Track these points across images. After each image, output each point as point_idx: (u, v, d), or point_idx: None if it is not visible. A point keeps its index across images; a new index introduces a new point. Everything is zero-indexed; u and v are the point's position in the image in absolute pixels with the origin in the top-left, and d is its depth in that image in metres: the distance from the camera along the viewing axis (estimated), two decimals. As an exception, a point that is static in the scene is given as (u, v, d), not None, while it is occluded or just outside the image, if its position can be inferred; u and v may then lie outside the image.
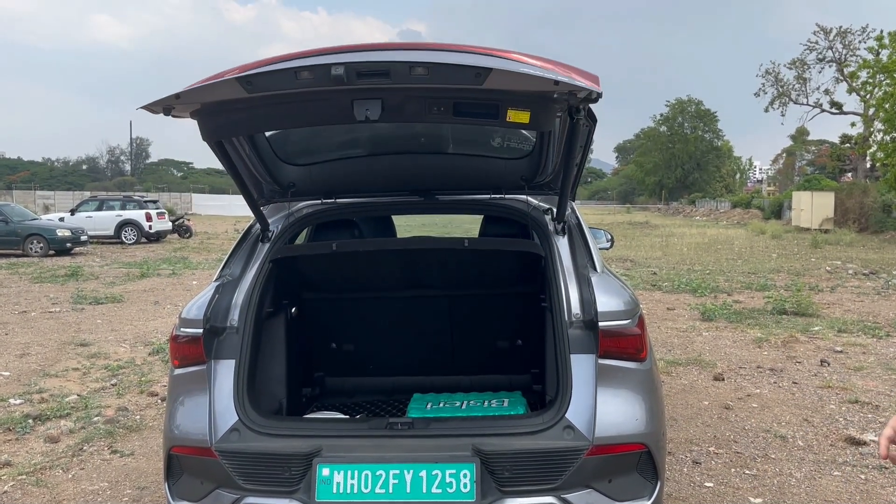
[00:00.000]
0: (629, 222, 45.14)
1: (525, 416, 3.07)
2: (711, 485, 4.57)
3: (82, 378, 7.58)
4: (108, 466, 5.16)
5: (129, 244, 27.46)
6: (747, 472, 4.78)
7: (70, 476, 4.99)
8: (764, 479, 4.67)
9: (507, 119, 2.42)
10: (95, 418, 6.16)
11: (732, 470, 4.81)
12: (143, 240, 27.85)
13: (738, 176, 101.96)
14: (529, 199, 3.70)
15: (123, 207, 28.44)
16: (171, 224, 29.68)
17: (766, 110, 56.10)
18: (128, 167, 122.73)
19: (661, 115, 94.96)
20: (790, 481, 4.62)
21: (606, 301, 2.99)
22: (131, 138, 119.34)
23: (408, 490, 2.79)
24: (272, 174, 3.59)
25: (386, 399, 4.35)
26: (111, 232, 27.64)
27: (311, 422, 3.11)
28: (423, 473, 2.80)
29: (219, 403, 3.04)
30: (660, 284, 14.21)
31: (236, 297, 3.29)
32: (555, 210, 3.55)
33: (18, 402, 6.71)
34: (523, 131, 3.51)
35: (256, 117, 2.64)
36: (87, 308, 12.34)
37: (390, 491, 2.80)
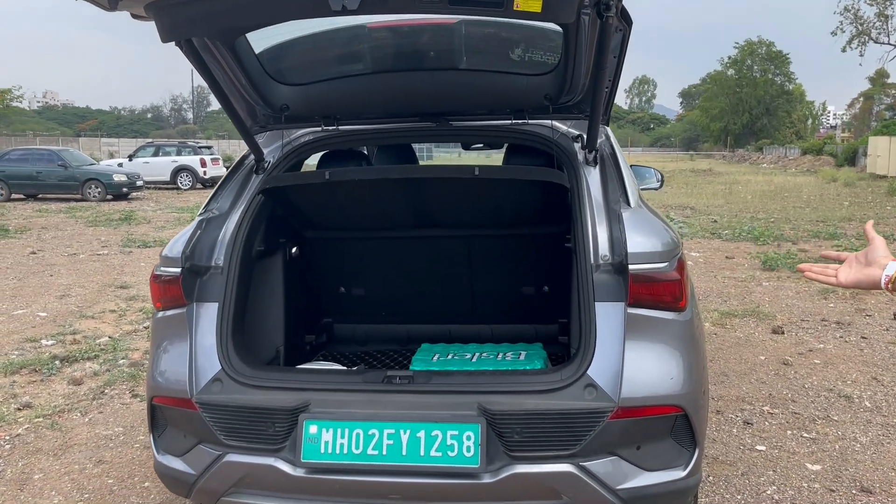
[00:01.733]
0: (692, 170, 43.61)
1: (541, 371, 2.67)
2: (763, 448, 4.12)
3: (117, 320, 7.50)
4: (126, 411, 5.00)
5: (185, 189, 27.74)
6: (805, 434, 4.31)
7: (87, 420, 4.84)
8: (824, 443, 4.20)
9: (515, 6, 1.96)
10: (121, 361, 6.03)
11: (788, 432, 4.34)
12: (199, 185, 28.06)
13: (809, 122, 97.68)
14: (555, 124, 3.23)
15: (179, 153, 28.69)
16: (225, 170, 29.75)
17: (844, 50, 52.84)
18: (190, 115, 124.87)
19: (730, 57, 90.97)
20: (854, 447, 4.14)
21: (639, 240, 2.55)
22: (193, 87, 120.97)
23: (403, 452, 2.45)
24: (263, 95, 3.20)
25: (399, 349, 4.01)
26: (167, 177, 27.95)
27: (300, 373, 2.78)
28: (422, 434, 2.46)
29: (200, 351, 2.74)
30: (719, 232, 13.51)
31: (222, 233, 2.97)
32: (584, 137, 3.08)
33: (50, 342, 6.65)
34: (548, 41, 3.03)
35: (219, 12, 2.25)
36: (134, 251, 12.38)
37: (384, 452, 2.46)
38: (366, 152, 4.43)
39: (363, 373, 2.68)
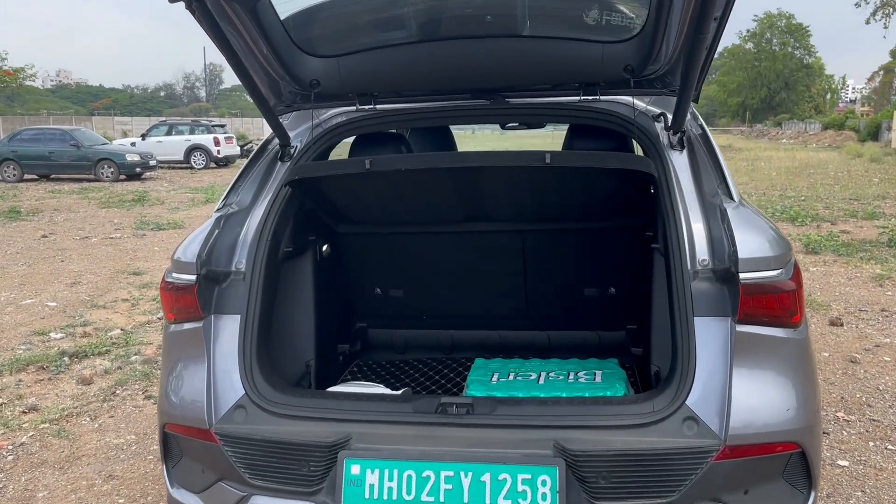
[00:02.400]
0: (711, 145, 42.63)
1: (627, 400, 2.23)
2: (846, 464, 3.69)
3: (130, 310, 7.15)
4: (139, 415, 4.63)
5: (199, 169, 27.41)
6: (890, 447, 3.87)
7: (97, 426, 4.48)
8: (914, 457, 3.75)
9: None
10: (133, 357, 5.67)
11: (871, 444, 3.90)
12: (212, 164, 27.71)
13: (828, 96, 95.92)
14: (635, 100, 2.76)
15: (192, 132, 28.32)
16: (239, 149, 29.42)
17: (868, 22, 51.64)
18: (203, 93, 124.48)
19: (748, 30, 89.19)
20: (949, 462, 3.69)
21: (749, 242, 2.12)
22: (205, 64, 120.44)
23: (465, 499, 2.06)
24: (289, 68, 2.76)
25: (443, 358, 3.58)
26: (181, 157, 27.61)
27: (338, 399, 2.36)
28: (486, 477, 2.05)
29: (220, 372, 2.34)
30: (753, 212, 12.95)
31: (244, 232, 2.56)
32: (669, 115, 2.62)
33: (59, 336, 6.31)
34: (632, 0, 2.56)
35: None
36: (147, 234, 12.06)
37: (441, 499, 2.07)
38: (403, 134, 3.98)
39: (413, 399, 2.25)
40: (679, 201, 2.43)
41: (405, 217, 3.13)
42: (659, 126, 2.75)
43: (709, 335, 2.15)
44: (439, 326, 3.64)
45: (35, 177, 23.85)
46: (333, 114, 3.07)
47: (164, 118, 45.73)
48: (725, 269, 2.15)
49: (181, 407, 2.39)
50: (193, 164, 27.55)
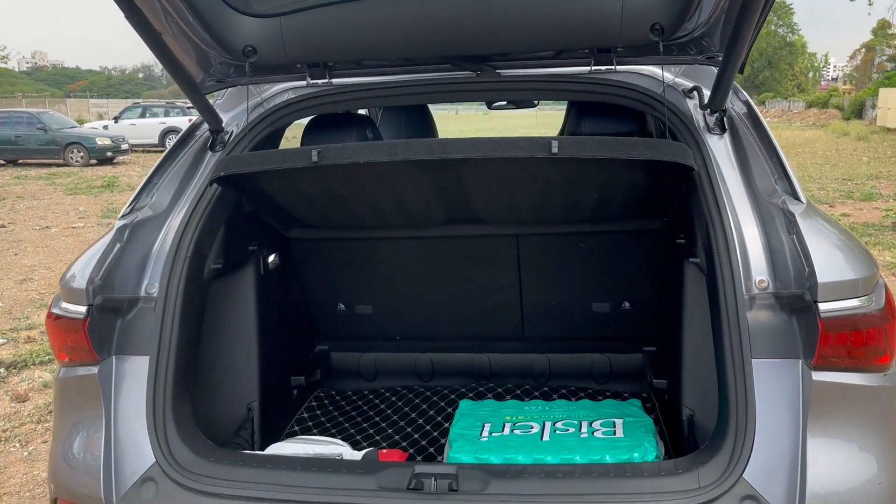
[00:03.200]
0: (697, 124, 42.18)
1: (663, 468, 1.68)
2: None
3: (82, 310, 6.47)
4: (76, 439, 3.99)
5: (173, 153, 26.56)
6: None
7: (26, 453, 3.90)
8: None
9: None
10: (78, 368, 5.01)
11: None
12: (188, 148, 26.87)
13: (811, 74, 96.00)
14: (660, 70, 2.21)
15: (167, 114, 27.44)
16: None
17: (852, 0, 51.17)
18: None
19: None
20: None
21: (830, 261, 1.59)
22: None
23: None
24: (215, 31, 2.17)
25: (420, 387, 3.02)
26: (155, 140, 26.73)
27: (279, 468, 1.78)
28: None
29: (124, 433, 1.81)
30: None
31: (158, 245, 2.07)
32: (705, 90, 2.08)
33: (0, 342, 5.66)
34: None
35: None
36: (113, 223, 11.35)
37: None
38: (368, 114, 3.37)
39: (378, 470, 1.68)
40: (725, 201, 1.92)
41: (371, 219, 2.55)
42: (691, 103, 2.19)
43: (772, 383, 1.67)
44: (416, 349, 3.07)
45: (2, 162, 23.02)
46: (279, 90, 2.49)
47: (138, 100, 44.69)
48: (796, 295, 1.62)
49: (73, 478, 1.84)
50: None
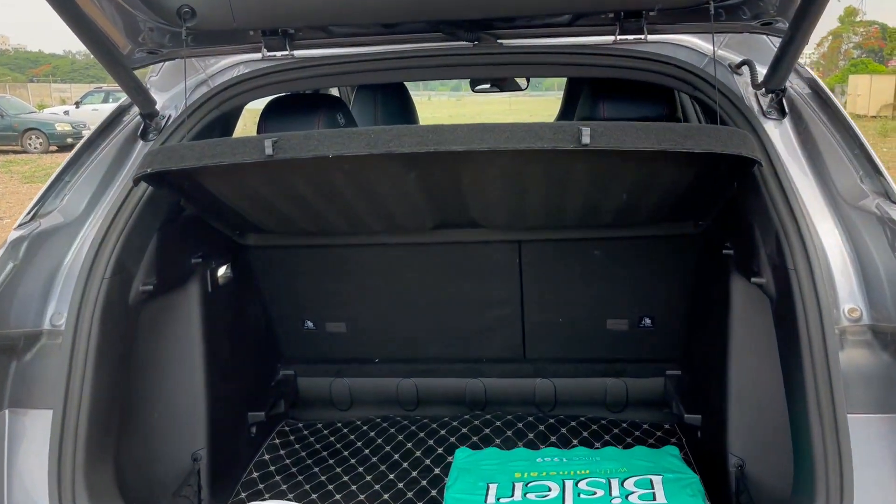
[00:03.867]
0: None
1: None
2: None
3: None
4: None
5: (138, 139, 25.78)
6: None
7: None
8: None
9: None
10: None
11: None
12: (153, 134, 26.10)
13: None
14: (698, 41, 1.80)
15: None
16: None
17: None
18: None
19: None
20: None
21: None
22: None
23: None
24: None
25: (402, 418, 2.57)
26: (118, 126, 25.91)
27: None
28: None
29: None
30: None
31: (68, 263, 1.63)
32: (760, 67, 1.67)
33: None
34: None
35: None
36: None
37: None
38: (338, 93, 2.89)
39: None
40: (798, 203, 1.54)
41: (344, 225, 2.08)
42: (740, 81, 1.78)
43: (874, 445, 1.31)
44: (398, 373, 2.61)
45: (-43, 149, 22.07)
46: (227, 65, 2.03)
47: (100, 85, 43.42)
48: None
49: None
50: (132, 134, 25.92)
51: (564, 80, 3.62)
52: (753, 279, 1.64)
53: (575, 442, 2.37)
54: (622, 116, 2.07)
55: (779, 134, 1.74)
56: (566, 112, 3.47)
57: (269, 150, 1.51)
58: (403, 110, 3.40)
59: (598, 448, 2.27)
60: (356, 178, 1.74)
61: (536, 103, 29.76)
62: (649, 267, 2.30)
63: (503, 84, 4.69)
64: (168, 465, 1.96)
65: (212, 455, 2.05)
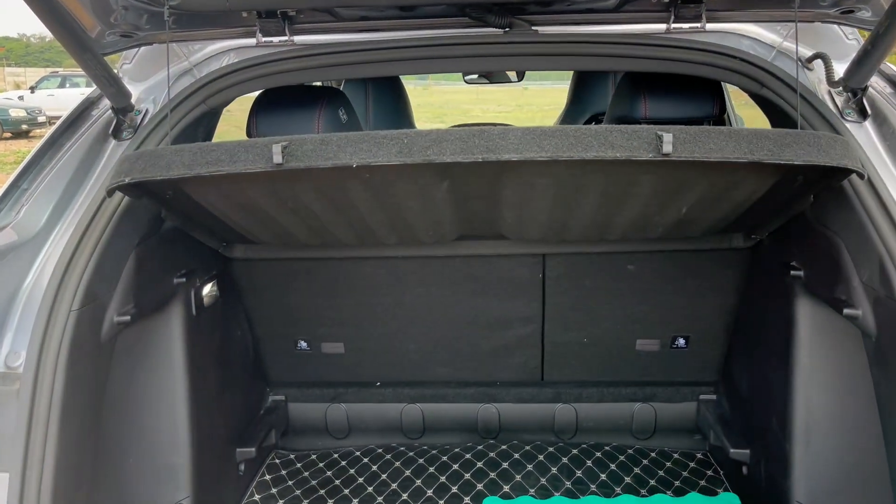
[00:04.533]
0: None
1: None
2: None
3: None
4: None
5: (96, 126, 25.00)
6: None
7: None
8: None
9: None
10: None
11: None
12: (112, 121, 25.33)
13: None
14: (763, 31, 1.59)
15: (89, 85, 25.67)
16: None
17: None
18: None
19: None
20: None
21: None
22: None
23: None
24: None
25: (406, 448, 2.32)
26: (76, 112, 25.08)
27: None
28: None
29: None
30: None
31: (26, 289, 1.38)
32: (839, 65, 1.48)
33: None
34: None
35: None
36: None
37: None
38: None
39: None
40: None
41: (352, 236, 1.81)
42: (813, 78, 1.56)
43: None
44: (402, 398, 2.34)
45: None
46: (215, 51, 1.74)
47: (57, 70, 42.11)
48: None
49: None
50: (91, 121, 25.13)
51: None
52: (846, 311, 1.42)
53: (603, 476, 2.14)
54: (668, 116, 1.83)
55: (861, 139, 1.53)
56: (576, 108, 3.22)
57: (277, 158, 1.23)
58: (397, 101, 3.13)
59: (646, 493, 2.04)
60: (376, 189, 1.47)
61: (504, 93, 29.52)
62: (688, 283, 2.07)
63: (491, 76, 4.42)
64: None
65: (197, 501, 1.78)
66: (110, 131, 1.64)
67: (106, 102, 1.66)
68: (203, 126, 1.85)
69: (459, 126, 1.43)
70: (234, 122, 2.36)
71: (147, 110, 1.68)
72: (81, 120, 1.67)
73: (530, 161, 1.26)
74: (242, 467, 2.09)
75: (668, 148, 1.19)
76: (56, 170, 1.55)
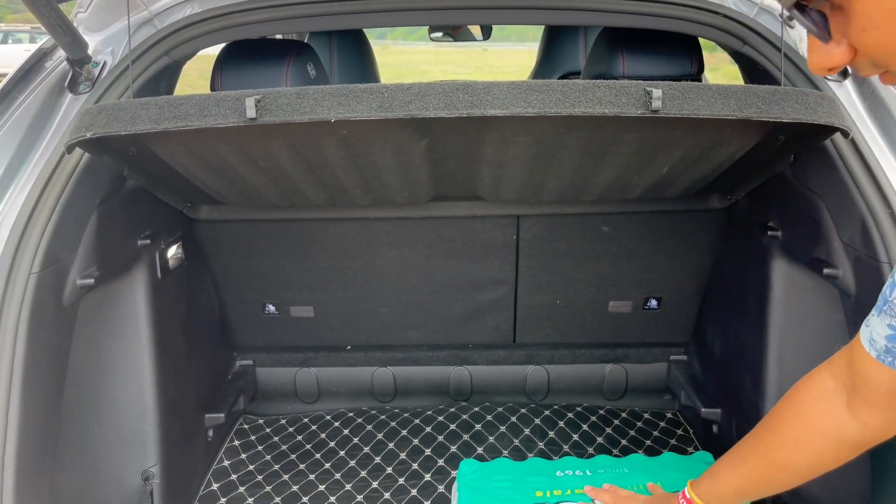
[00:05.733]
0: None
1: None
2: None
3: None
4: None
5: (42, 84, 24.06)
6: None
7: None
8: None
9: None
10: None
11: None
12: (58, 79, 24.40)
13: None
14: None
15: (33, 41, 24.66)
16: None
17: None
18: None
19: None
20: None
21: None
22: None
23: None
24: None
25: (377, 411, 2.29)
26: (19, 70, 24.10)
27: None
28: None
29: None
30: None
31: None
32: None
33: None
34: None
35: None
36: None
37: None
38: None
39: None
40: (888, 185, 1.35)
41: (323, 196, 1.75)
42: (795, 36, 1.54)
43: None
44: (373, 362, 2.31)
45: None
46: (177, 0, 1.64)
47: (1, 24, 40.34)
48: None
49: None
50: (35, 79, 24.17)
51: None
52: (826, 270, 1.42)
53: (576, 437, 2.14)
54: (647, 74, 1.80)
55: (842, 97, 1.52)
56: (546, 67, 3.17)
57: (251, 112, 1.17)
58: (363, 57, 3.04)
59: (619, 451, 2.06)
60: (352, 146, 1.41)
61: (463, 54, 29.24)
62: (662, 244, 2.06)
63: (456, 33, 4.33)
64: (115, 490, 1.63)
65: (166, 471, 1.72)
66: (66, 84, 1.54)
67: (60, 54, 1.56)
68: (165, 81, 1.75)
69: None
70: (186, 82, 2.27)
71: (105, 62, 1.59)
72: (34, 72, 1.57)
73: (514, 117, 1.22)
74: (211, 433, 2.05)
75: (657, 104, 1.16)
76: (9, 125, 1.45)
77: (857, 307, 1.37)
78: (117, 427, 1.65)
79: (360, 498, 1.94)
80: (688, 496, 1.32)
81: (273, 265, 2.12)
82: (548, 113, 1.17)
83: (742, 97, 1.21)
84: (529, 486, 1.58)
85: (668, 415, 2.28)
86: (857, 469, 1.32)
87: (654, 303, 2.18)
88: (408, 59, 29.80)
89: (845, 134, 1.30)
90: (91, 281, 1.42)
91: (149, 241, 1.68)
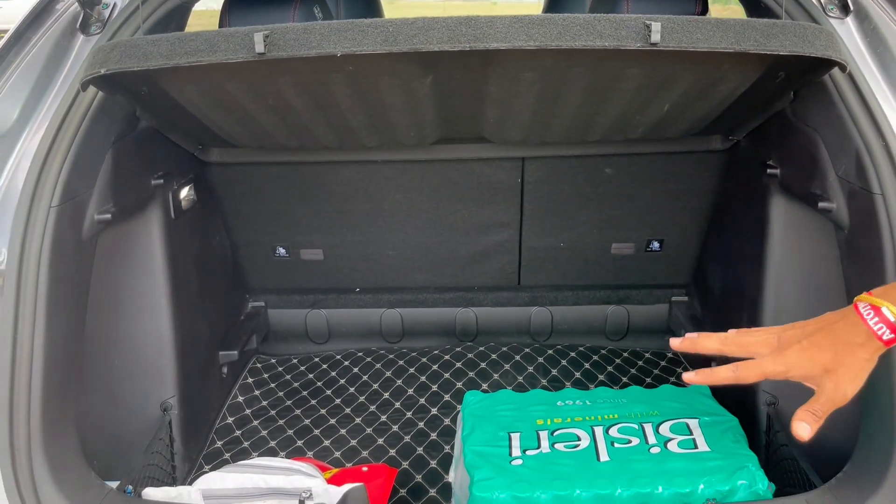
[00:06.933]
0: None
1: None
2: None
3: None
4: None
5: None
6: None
7: None
8: None
9: None
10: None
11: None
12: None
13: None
14: None
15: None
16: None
17: None
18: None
19: None
20: None
21: None
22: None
23: None
24: None
25: (385, 351, 2.36)
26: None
27: None
28: None
29: None
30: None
31: (1, 187, 1.36)
32: None
33: None
34: None
35: None
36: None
37: None
38: None
39: None
40: (883, 118, 1.37)
41: (332, 137, 1.79)
42: None
43: None
44: (381, 304, 2.38)
45: None
46: None
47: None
48: None
49: None
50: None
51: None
52: (821, 204, 1.45)
53: (577, 374, 2.21)
54: (649, 12, 1.81)
55: (843, 34, 1.53)
56: (555, 5, 3.16)
57: (259, 47, 1.20)
58: (369, 4, 3.04)
59: (620, 388, 2.11)
60: (359, 83, 1.44)
61: (472, 8, 28.85)
62: (665, 186, 2.09)
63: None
64: (136, 419, 1.70)
65: (183, 403, 1.80)
66: (77, 25, 1.57)
67: None
68: (175, 22, 1.78)
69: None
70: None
71: (115, 3, 1.61)
72: (46, 13, 1.60)
73: (517, 52, 1.25)
74: (225, 370, 2.12)
75: (656, 37, 1.18)
76: (24, 65, 1.49)
77: (850, 240, 1.41)
78: (137, 360, 1.72)
79: (369, 430, 2.01)
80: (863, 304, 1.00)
81: (283, 208, 2.17)
82: (549, 46, 1.19)
83: (740, 30, 1.23)
84: (531, 416, 1.64)
85: (669, 354, 2.34)
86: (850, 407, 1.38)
87: (656, 245, 2.23)
88: (416, 13, 29.33)
89: (843, 68, 1.32)
90: (108, 216, 1.47)
91: (162, 182, 1.73)
